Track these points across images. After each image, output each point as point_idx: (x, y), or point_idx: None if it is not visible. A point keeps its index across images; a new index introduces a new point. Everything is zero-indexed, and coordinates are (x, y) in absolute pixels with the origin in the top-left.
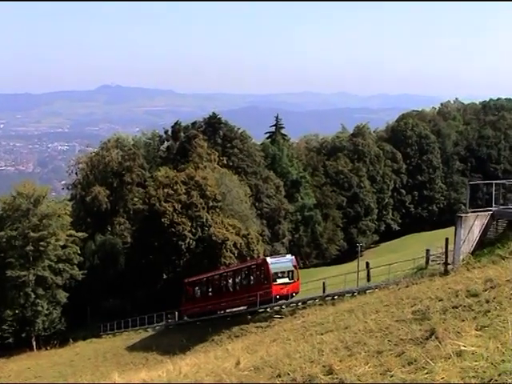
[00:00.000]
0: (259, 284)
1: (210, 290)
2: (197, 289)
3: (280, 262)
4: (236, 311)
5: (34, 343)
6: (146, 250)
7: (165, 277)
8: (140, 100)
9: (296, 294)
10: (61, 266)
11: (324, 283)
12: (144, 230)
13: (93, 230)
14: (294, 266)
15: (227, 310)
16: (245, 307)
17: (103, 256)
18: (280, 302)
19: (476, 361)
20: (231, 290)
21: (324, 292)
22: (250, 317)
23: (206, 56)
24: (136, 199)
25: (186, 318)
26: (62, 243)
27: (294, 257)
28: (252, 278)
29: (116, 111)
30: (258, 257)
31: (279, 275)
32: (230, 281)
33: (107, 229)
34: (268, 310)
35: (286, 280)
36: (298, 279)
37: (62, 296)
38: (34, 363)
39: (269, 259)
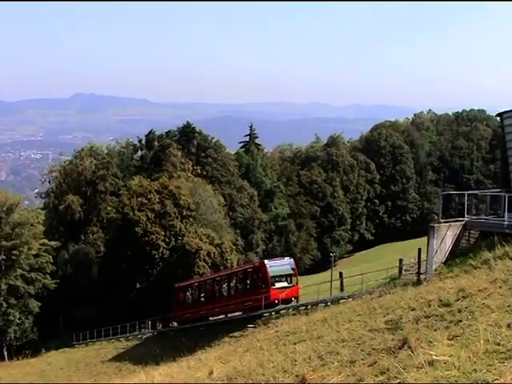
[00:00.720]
0: (257, 288)
1: (203, 294)
2: (188, 294)
3: (278, 265)
4: (230, 317)
5: (6, 353)
6: (120, 259)
7: (138, 286)
8: (114, 109)
9: (295, 298)
10: (33, 275)
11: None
12: (117, 239)
13: (66, 238)
14: (293, 269)
15: (220, 316)
16: (240, 313)
17: (76, 265)
18: (278, 307)
19: (448, 370)
20: (225, 294)
21: (297, 301)
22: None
23: (181, 65)
24: (109, 208)
25: (170, 324)
26: (34, 252)
27: (292, 259)
28: (248, 281)
29: (90, 120)
30: (232, 264)
31: (277, 279)
32: (225, 285)
33: (80, 238)
34: (265, 314)
35: (285, 284)
36: (297, 283)
37: (35, 305)
38: (6, 373)
39: (267, 262)
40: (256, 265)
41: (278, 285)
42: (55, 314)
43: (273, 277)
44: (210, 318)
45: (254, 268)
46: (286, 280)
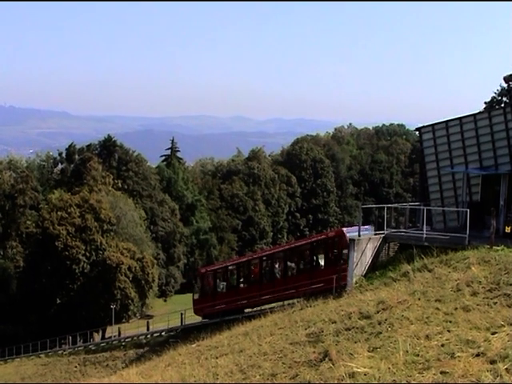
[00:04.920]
0: (332, 265)
1: (243, 279)
2: (220, 280)
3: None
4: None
5: None
6: (39, 274)
7: (59, 301)
8: (34, 121)
9: None
10: None
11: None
12: (37, 254)
13: None
14: None
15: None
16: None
17: None
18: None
19: (368, 382)
20: (279, 276)
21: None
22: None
23: (101, 78)
24: (29, 222)
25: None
26: None
27: (373, 227)
28: (318, 258)
29: (9, 132)
30: (154, 278)
31: None
32: (277, 265)
33: None
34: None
35: None
36: None
37: None
38: None
39: (346, 230)
40: (330, 235)
41: None
42: None
43: None
44: (246, 310)
45: (329, 239)
46: None
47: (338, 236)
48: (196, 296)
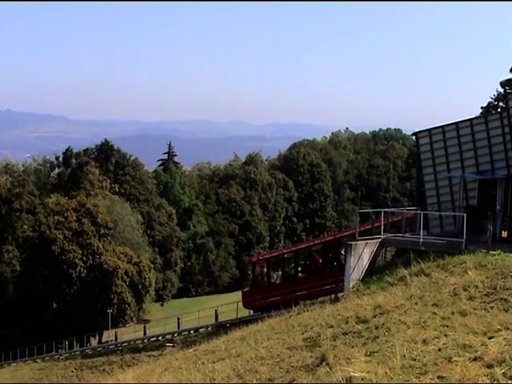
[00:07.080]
0: None
1: (302, 268)
2: (274, 269)
3: None
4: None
5: None
6: (36, 278)
7: (55, 306)
8: (31, 125)
9: None
10: None
11: (216, 311)
12: (34, 258)
13: None
14: None
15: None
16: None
17: None
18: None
19: None
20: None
21: (216, 320)
22: None
23: (99, 82)
24: (25, 226)
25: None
26: None
27: None
28: None
29: (5, 136)
30: (151, 283)
31: None
32: (343, 251)
33: None
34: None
35: None
36: None
37: None
38: None
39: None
40: (409, 216)
41: None
42: None
43: None
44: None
45: (407, 220)
46: None
47: (414, 217)
48: (246, 288)
